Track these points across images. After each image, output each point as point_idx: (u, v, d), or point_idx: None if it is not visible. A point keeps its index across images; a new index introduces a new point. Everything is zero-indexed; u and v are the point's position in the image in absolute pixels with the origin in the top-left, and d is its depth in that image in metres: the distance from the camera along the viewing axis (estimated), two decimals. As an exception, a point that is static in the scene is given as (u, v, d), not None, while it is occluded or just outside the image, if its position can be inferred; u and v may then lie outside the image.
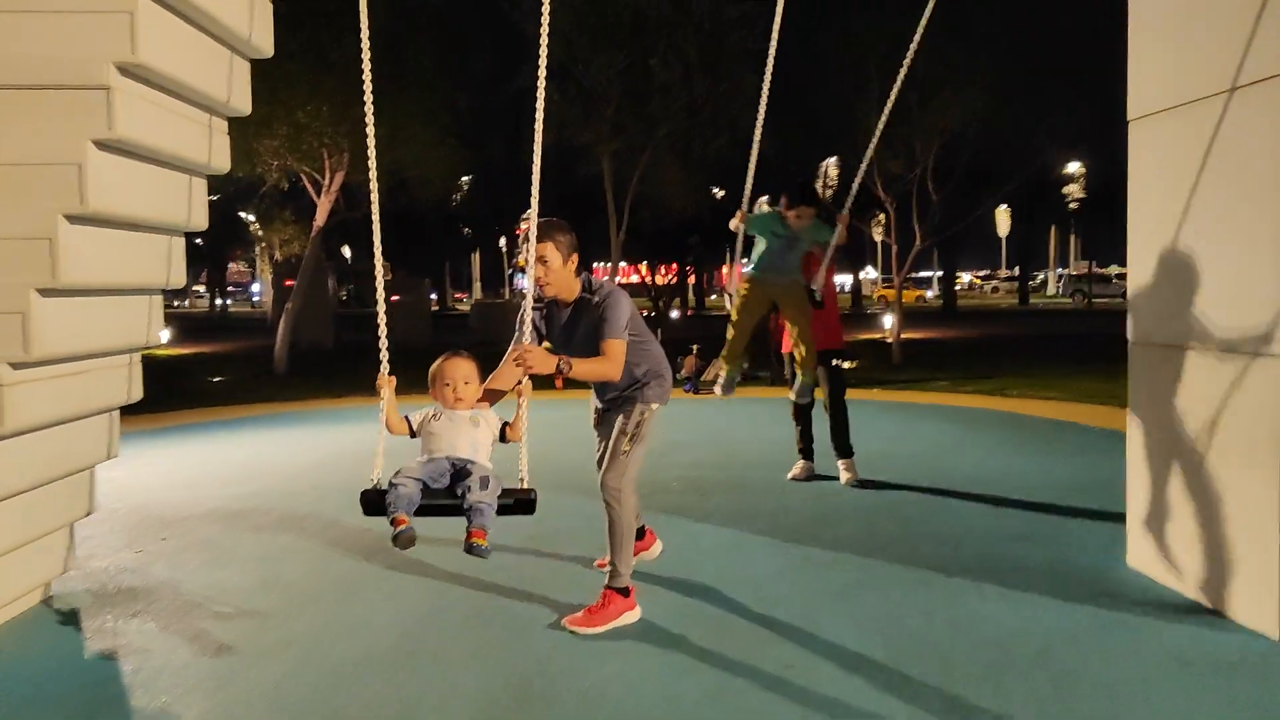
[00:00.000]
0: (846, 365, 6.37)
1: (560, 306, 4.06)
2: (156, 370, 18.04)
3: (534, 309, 3.92)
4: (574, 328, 4.05)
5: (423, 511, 3.21)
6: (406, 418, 3.41)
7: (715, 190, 23.43)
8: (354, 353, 21.04)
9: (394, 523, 3.14)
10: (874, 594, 4.26)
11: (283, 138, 15.43)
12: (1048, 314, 39.45)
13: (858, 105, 16.60)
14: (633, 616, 3.98)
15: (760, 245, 5.77)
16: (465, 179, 37.01)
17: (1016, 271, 59.84)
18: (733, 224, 5.56)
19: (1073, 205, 45.72)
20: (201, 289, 67.55)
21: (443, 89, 16.75)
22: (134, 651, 3.75)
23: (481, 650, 3.70)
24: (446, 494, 3.21)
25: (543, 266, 3.83)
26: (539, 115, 3.72)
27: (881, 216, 32.66)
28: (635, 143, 16.31)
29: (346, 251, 50.84)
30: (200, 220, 4.31)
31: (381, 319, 3.41)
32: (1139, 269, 4.47)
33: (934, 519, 5.56)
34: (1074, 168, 44.47)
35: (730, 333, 5.87)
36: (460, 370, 3.39)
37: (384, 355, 3.34)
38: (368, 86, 3.59)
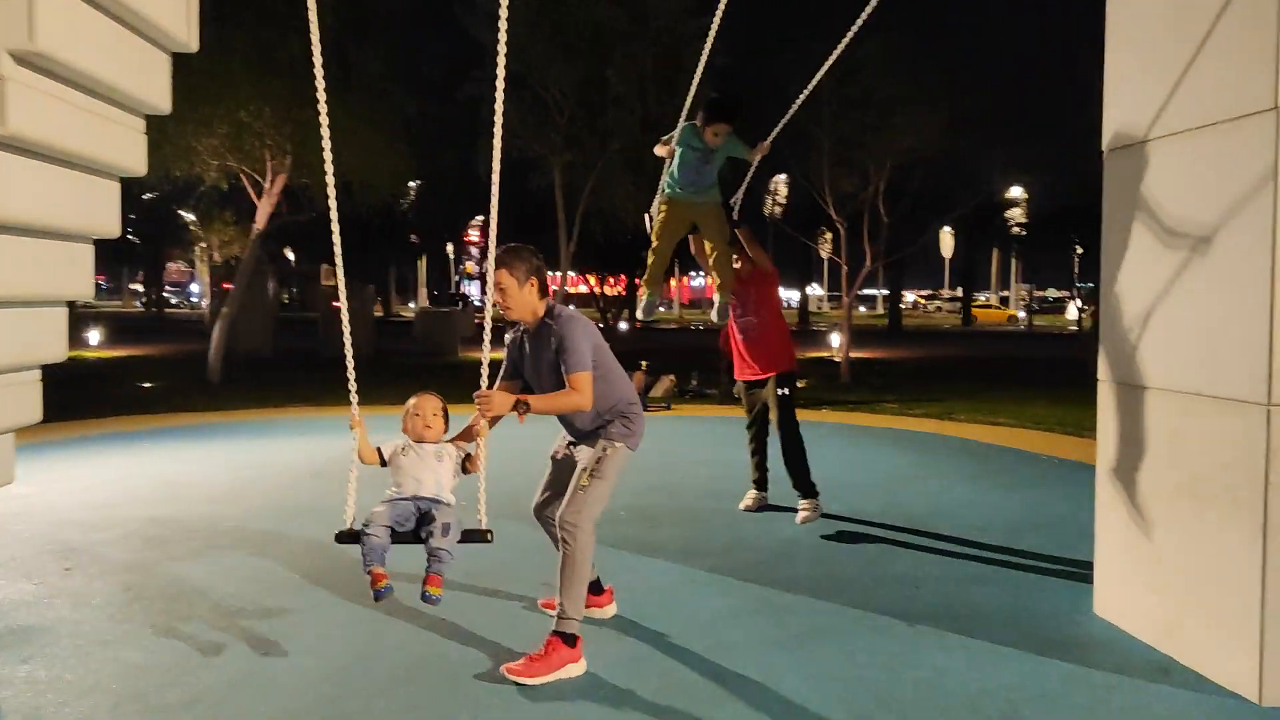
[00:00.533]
0: (799, 385, 6.21)
1: (530, 333, 3.95)
2: (82, 374, 17.33)
3: (510, 338, 4.09)
4: (539, 356, 3.93)
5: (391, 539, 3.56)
6: (378, 449, 3.74)
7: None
8: (294, 361, 20.44)
9: (373, 580, 3.45)
10: (833, 643, 4.02)
11: (223, 137, 14.91)
12: (990, 335, 39.94)
13: (809, 128, 16.54)
14: (577, 669, 3.69)
15: (675, 160, 5.55)
16: (413, 185, 36.50)
17: (960, 291, 60.66)
18: (659, 149, 5.49)
19: (1015, 229, 46.43)
20: (139, 288, 65.79)
21: (392, 93, 16.36)
22: (19, 704, 3.36)
23: (408, 709, 3.38)
24: (411, 536, 3.57)
25: (500, 293, 3.84)
26: (497, 129, 3.61)
27: (829, 234, 32.90)
28: (588, 155, 16.04)
29: (290, 254, 49.84)
30: (112, 227, 3.93)
31: (350, 366, 3.63)
32: (1111, 305, 4.31)
33: (891, 558, 5.35)
34: (1017, 192, 45.24)
35: (651, 257, 5.76)
36: (430, 404, 3.77)
37: (354, 399, 3.69)
38: (321, 96, 3.51)
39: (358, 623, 4.22)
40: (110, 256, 55.46)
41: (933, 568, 5.16)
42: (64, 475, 7.41)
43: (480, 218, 60.29)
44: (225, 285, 21.75)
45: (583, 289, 41.71)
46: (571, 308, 3.96)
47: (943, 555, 5.41)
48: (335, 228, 3.67)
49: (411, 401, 3.78)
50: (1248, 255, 3.45)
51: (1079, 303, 43.52)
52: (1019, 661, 3.83)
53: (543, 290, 3.87)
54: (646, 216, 5.91)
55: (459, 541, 3.51)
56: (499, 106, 3.70)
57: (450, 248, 63.58)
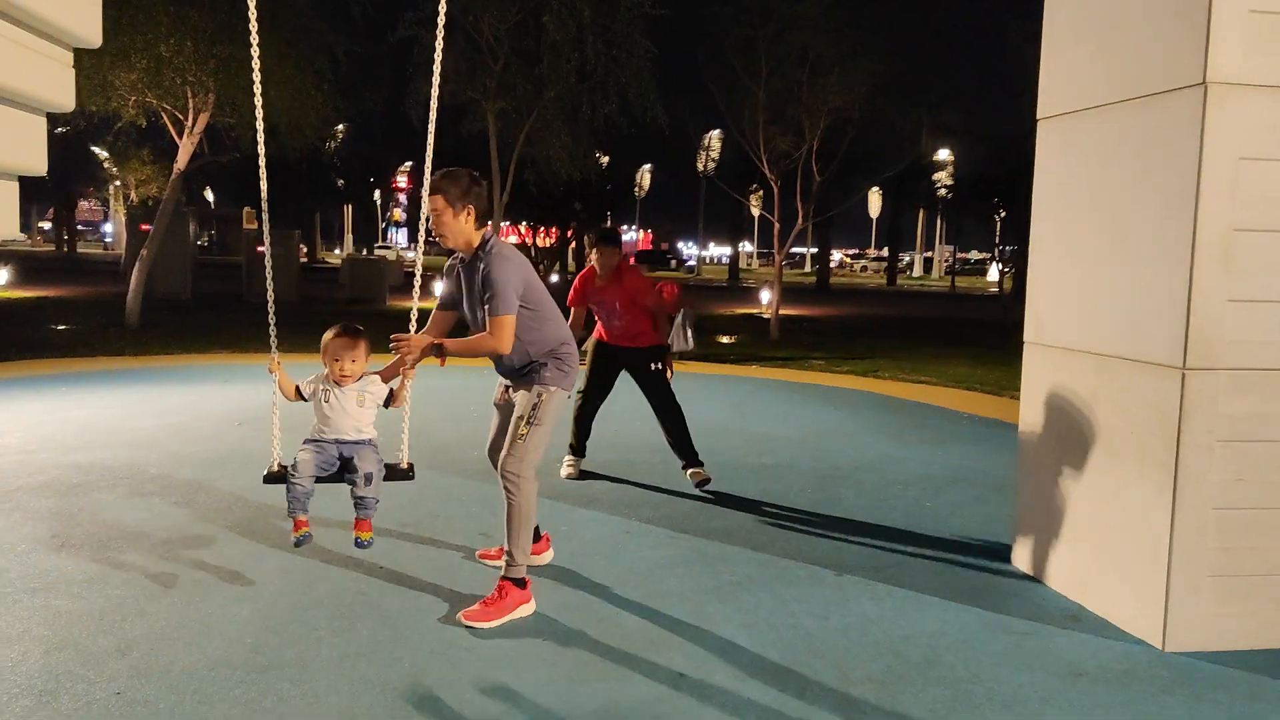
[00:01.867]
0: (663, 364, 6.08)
1: (465, 263, 3.90)
2: (-10, 316, 16.67)
3: (449, 264, 4.04)
4: (471, 288, 3.87)
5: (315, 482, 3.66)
6: (297, 386, 3.73)
7: (601, 156, 23.08)
8: (215, 304, 19.94)
9: (295, 526, 3.63)
10: (766, 591, 4.14)
11: (141, 71, 14.32)
12: (914, 295, 40.76)
13: (744, 79, 16.54)
14: (528, 609, 3.78)
15: None
16: (340, 128, 35.51)
17: (885, 251, 61.64)
18: None
19: (942, 191, 47.20)
20: (48, 226, 63.15)
21: (318, 32, 15.84)
22: (-55, 653, 3.30)
23: (349, 656, 3.39)
24: (335, 478, 3.67)
25: (435, 217, 3.75)
26: (436, 68, 3.82)
27: (760, 191, 33.07)
28: (523, 103, 15.80)
29: (210, 195, 48.31)
30: (37, 164, 3.78)
31: (271, 308, 3.77)
32: (1038, 269, 4.45)
33: (821, 510, 5.50)
34: (944, 155, 45.91)
35: None
36: (347, 349, 3.64)
37: (273, 339, 3.78)
38: (254, 29, 3.45)
39: (291, 570, 4.20)
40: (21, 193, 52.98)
41: (860, 520, 5.32)
42: (-23, 420, 7.17)
43: (409, 164, 59.19)
44: (144, 227, 21.01)
45: (513, 240, 41.30)
46: (507, 242, 3.88)
47: (870, 508, 5.58)
48: (263, 171, 3.74)
49: (328, 338, 3.66)
50: (1170, 226, 3.60)
51: (999, 265, 44.60)
52: (941, 609, 4.00)
53: (481, 219, 3.77)
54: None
55: (384, 479, 3.66)
56: (439, 43, 3.75)
57: (378, 194, 62.28)
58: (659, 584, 4.19)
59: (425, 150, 3.81)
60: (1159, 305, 3.65)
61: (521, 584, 3.80)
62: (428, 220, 3.79)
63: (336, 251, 63.27)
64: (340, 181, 46.84)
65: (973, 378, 12.12)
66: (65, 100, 3.80)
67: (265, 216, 3.77)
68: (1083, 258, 4.12)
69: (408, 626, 3.66)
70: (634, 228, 68.38)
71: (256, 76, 3.71)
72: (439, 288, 3.90)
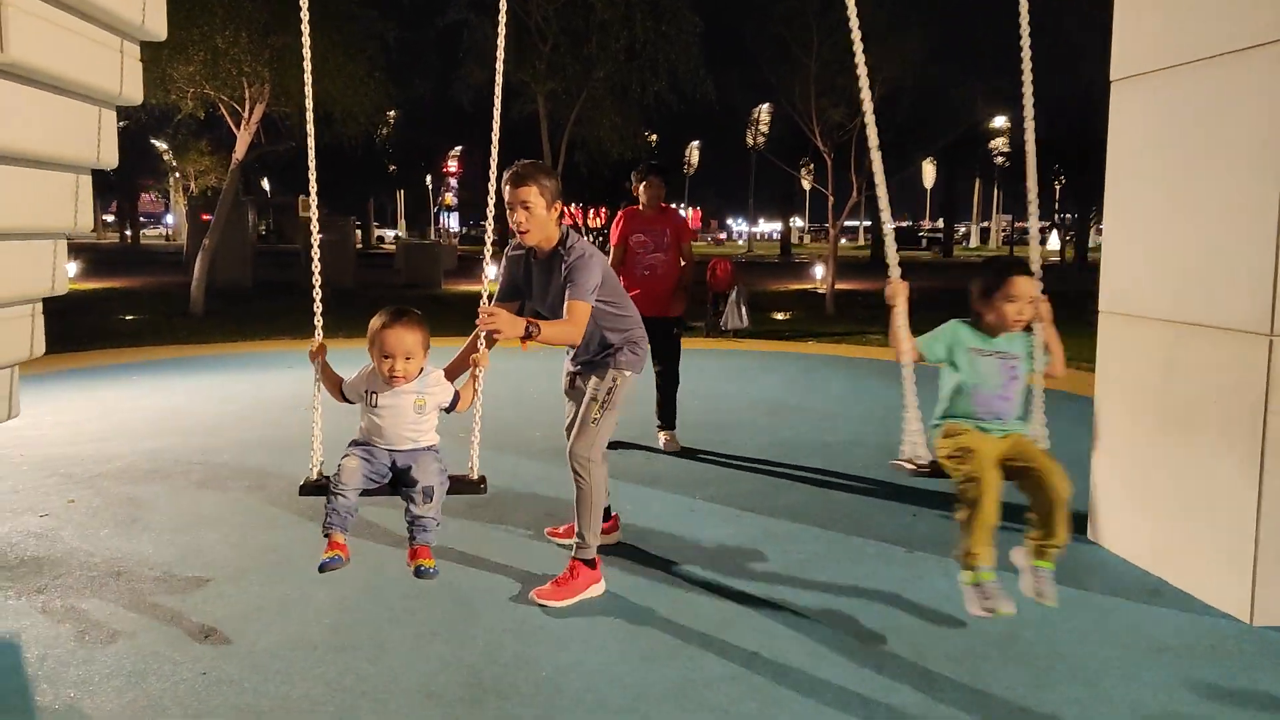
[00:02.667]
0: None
1: (537, 256, 3.81)
2: (60, 306, 16.94)
3: (510, 254, 3.88)
4: (547, 283, 3.80)
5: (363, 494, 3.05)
6: (341, 383, 3.12)
7: (649, 135, 23.01)
8: (274, 292, 20.27)
9: (328, 545, 2.93)
10: (836, 569, 4.10)
11: (199, 64, 14.55)
12: (971, 267, 40.02)
13: (795, 50, 16.32)
14: (598, 589, 3.80)
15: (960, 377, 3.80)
16: (391, 114, 35.83)
17: (940, 223, 60.65)
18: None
19: (999, 159, 46.28)
20: (111, 219, 64.74)
21: (369, 20, 15.97)
22: (38, 634, 3.39)
23: (425, 635, 3.43)
24: (388, 490, 3.03)
25: (525, 212, 3.59)
26: (499, 55, 3.59)
27: (811, 165, 32.67)
28: (572, 84, 15.78)
29: (266, 184, 49.08)
30: (110, 157, 3.86)
31: (316, 285, 3.14)
32: (1114, 236, 4.33)
33: (889, 487, 5.43)
34: (1000, 122, 44.97)
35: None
36: (404, 343, 2.90)
37: (318, 319, 3.08)
38: (305, 23, 3.34)
39: (363, 552, 4.25)
40: (81, 187, 54.36)
41: (929, 496, 5.25)
42: (54, 409, 7.37)
43: (459, 148, 59.48)
44: (204, 217, 21.42)
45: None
46: (586, 241, 3.84)
47: (937, 483, 5.49)
48: (311, 157, 3.36)
49: (375, 326, 2.93)
50: (1253, 187, 3.47)
51: (1059, 233, 43.67)
52: (1017, 585, 3.92)
53: (560, 218, 3.78)
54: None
55: (448, 492, 3.01)
56: (501, 30, 3.67)
57: (429, 179, 62.77)
58: (728, 562, 4.17)
59: (491, 141, 3.38)
60: (1244, 270, 3.52)
61: (592, 564, 3.82)
62: (498, 209, 3.61)
63: (391, 234, 63.92)
64: (392, 167, 47.22)
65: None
66: (134, 93, 3.87)
67: (313, 196, 3.44)
68: (1161, 222, 3.99)
69: (480, 605, 3.69)
70: (683, 205, 68.15)
71: (307, 66, 3.59)
72: (491, 271, 3.54)
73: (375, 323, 2.96)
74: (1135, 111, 4.18)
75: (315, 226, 3.35)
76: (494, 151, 3.39)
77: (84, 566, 4.05)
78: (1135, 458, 4.16)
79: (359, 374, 3.05)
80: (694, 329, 13.91)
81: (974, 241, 65.89)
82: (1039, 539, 3.30)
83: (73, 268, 22.77)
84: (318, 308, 3.09)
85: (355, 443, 3.05)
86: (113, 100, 3.79)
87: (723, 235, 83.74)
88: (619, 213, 6.17)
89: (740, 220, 77.16)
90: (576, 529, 3.84)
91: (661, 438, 6.30)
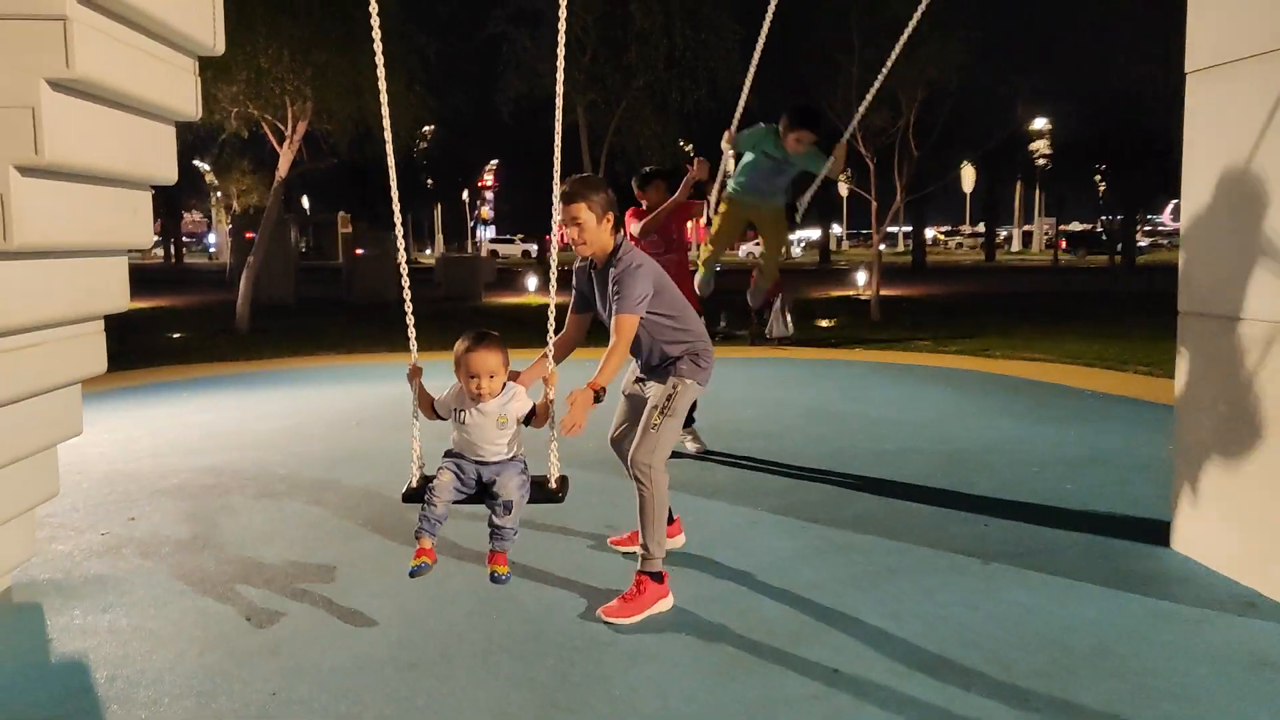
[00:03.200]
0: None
1: (597, 267, 3.85)
2: (110, 326, 17.12)
3: (577, 267, 3.97)
4: (605, 294, 3.81)
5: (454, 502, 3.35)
6: (433, 402, 3.40)
7: (685, 145, 22.90)
8: (317, 308, 20.45)
9: (417, 552, 3.25)
10: (909, 582, 3.98)
11: (243, 84, 14.71)
12: (1015, 271, 39.51)
13: (839, 59, 16.20)
14: (666, 604, 3.72)
15: (746, 162, 5.49)
16: (428, 129, 36.10)
17: (981, 227, 59.99)
18: (724, 142, 5.39)
19: (1040, 161, 45.68)
20: (155, 239, 66.04)
21: (408, 34, 16.05)
22: (106, 653, 3.37)
23: (493, 652, 3.37)
24: (476, 499, 3.34)
25: (576, 228, 3.67)
26: (560, 49, 3.59)
27: (849, 171, 32.36)
28: (612, 94, 15.77)
29: (306, 202, 49.71)
30: (169, 173, 3.87)
31: (409, 309, 3.39)
32: (1193, 234, 4.17)
33: (955, 495, 5.29)
34: (1041, 124, 44.39)
35: (706, 248, 5.77)
36: (486, 364, 3.20)
37: (413, 344, 3.40)
38: (378, 42, 3.38)
39: (443, 563, 4.19)
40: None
41: (998, 504, 5.10)
42: (108, 427, 7.43)
43: (495, 161, 59.86)
44: (248, 235, 21.67)
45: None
46: (638, 252, 3.81)
47: (1007, 492, 5.35)
48: (392, 174, 3.47)
49: (460, 350, 3.21)
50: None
51: (1106, 235, 42.96)
52: (1101, 597, 3.79)
53: (616, 225, 3.77)
54: (706, 203, 5.84)
55: (529, 502, 3.30)
56: (560, 50, 3.64)
57: (465, 194, 63.21)
58: (796, 575, 4.06)
59: (554, 157, 3.43)
60: (1339, 265, 3.36)
61: (659, 578, 3.74)
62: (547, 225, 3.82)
63: (428, 251, 64.45)
64: (429, 181, 47.59)
65: (1089, 353, 11.60)
66: (190, 108, 3.86)
67: (397, 214, 3.47)
68: (1245, 219, 3.83)
69: (546, 621, 3.62)
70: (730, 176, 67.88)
71: (383, 85, 3.63)
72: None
73: (459, 347, 3.24)
74: (1212, 104, 4.02)
75: (402, 244, 3.44)
76: (556, 176, 3.43)
77: (148, 585, 4.03)
78: (1224, 464, 3.99)
79: (449, 392, 3.33)
80: (739, 337, 13.81)
81: (1015, 245, 65.00)
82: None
83: (121, 287, 23.16)
84: (412, 332, 3.38)
85: (449, 454, 3.35)
86: (172, 116, 3.79)
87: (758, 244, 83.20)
88: (625, 214, 6.04)
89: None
90: (640, 539, 3.77)
91: (686, 439, 6.23)
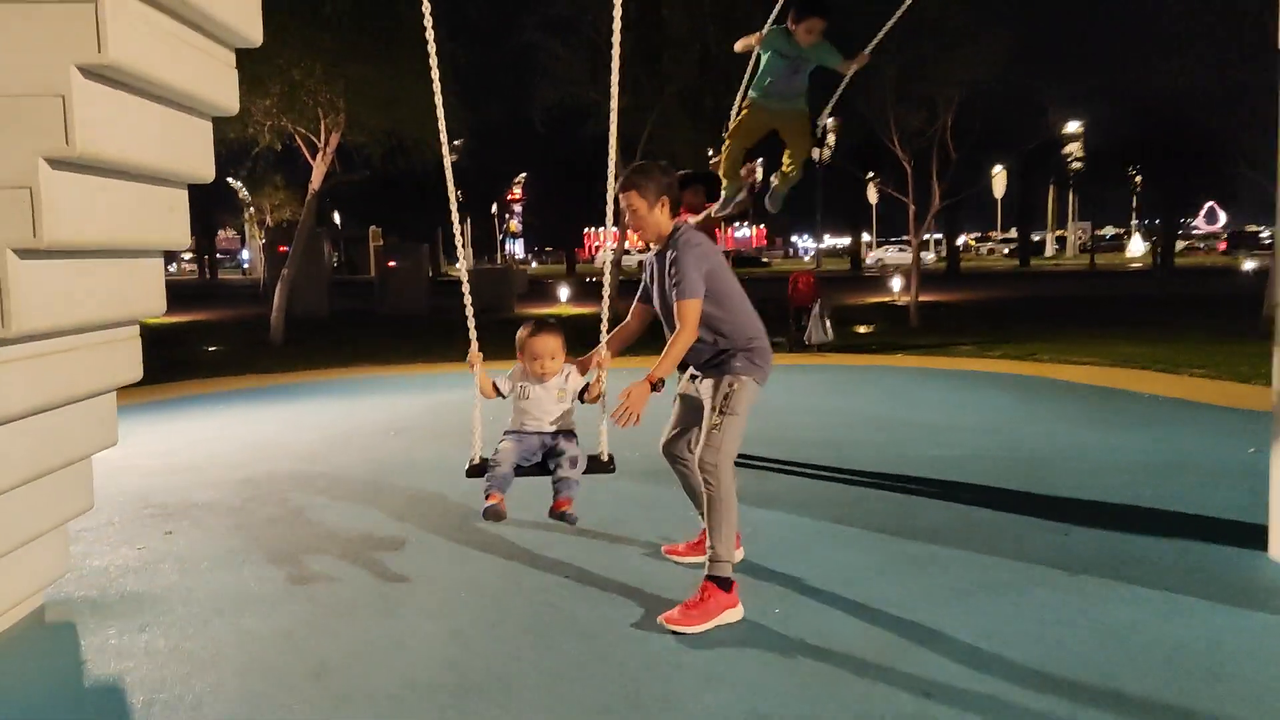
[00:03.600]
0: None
1: (658, 254, 3.72)
2: (145, 340, 17.14)
3: (647, 258, 3.88)
4: (662, 279, 3.67)
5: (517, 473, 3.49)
6: (495, 384, 3.59)
7: (712, 156, 22.68)
8: (350, 321, 20.40)
9: (487, 496, 3.37)
10: (996, 596, 3.70)
11: (276, 97, 14.66)
12: (1051, 276, 38.90)
13: (874, 59, 15.90)
14: (734, 615, 3.49)
15: (764, 66, 5.27)
16: (459, 141, 36.11)
17: (1013, 233, 59.24)
18: (740, 44, 5.17)
19: (1075, 165, 45.06)
20: (189, 256, 66.70)
21: (439, 42, 15.93)
22: (143, 676, 3.17)
23: (553, 675, 3.13)
24: (538, 469, 3.53)
25: (631, 215, 3.62)
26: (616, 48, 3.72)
27: (876, 179, 31.95)
28: (644, 100, 15.56)
29: (336, 218, 49.96)
30: (207, 169, 3.67)
31: (467, 299, 3.61)
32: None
33: (1029, 503, 5.00)
34: (1074, 127, 43.80)
35: (724, 155, 5.45)
36: (547, 347, 3.49)
37: (473, 334, 3.56)
38: (433, 54, 3.60)
39: (476, 581, 3.98)
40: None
41: (1077, 512, 4.80)
42: (145, 438, 7.29)
43: (524, 175, 59.97)
44: (281, 249, 21.68)
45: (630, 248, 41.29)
46: (694, 231, 3.65)
47: (1087, 501, 5.05)
48: (450, 184, 3.65)
49: (524, 336, 3.51)
50: None
51: (1144, 238, 42.21)
52: (1208, 612, 3.49)
53: (674, 208, 3.62)
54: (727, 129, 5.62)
55: (583, 472, 3.49)
56: (616, 49, 3.74)
57: (495, 207, 63.33)
58: (873, 590, 3.79)
59: (609, 153, 3.58)
60: None
61: (727, 585, 3.52)
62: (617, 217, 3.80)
63: (457, 265, 64.59)
64: (459, 193, 47.71)
65: (1142, 356, 11.20)
66: (230, 102, 3.67)
67: (456, 222, 3.64)
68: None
69: (608, 639, 3.38)
70: (747, 223, 67.64)
71: (437, 86, 3.64)
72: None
73: (523, 333, 3.52)
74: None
75: (463, 253, 3.70)
76: (611, 172, 3.53)
77: (186, 603, 3.84)
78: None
79: (512, 372, 3.59)
80: (777, 344, 13.53)
81: (1049, 250, 64.13)
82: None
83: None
84: (471, 322, 3.59)
85: (508, 432, 3.56)
86: (210, 109, 3.61)
87: (779, 254, 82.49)
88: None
89: (806, 236, 76.39)
90: (708, 542, 3.57)
91: None
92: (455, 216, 3.64)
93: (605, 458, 3.53)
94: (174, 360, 13.03)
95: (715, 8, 14.54)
